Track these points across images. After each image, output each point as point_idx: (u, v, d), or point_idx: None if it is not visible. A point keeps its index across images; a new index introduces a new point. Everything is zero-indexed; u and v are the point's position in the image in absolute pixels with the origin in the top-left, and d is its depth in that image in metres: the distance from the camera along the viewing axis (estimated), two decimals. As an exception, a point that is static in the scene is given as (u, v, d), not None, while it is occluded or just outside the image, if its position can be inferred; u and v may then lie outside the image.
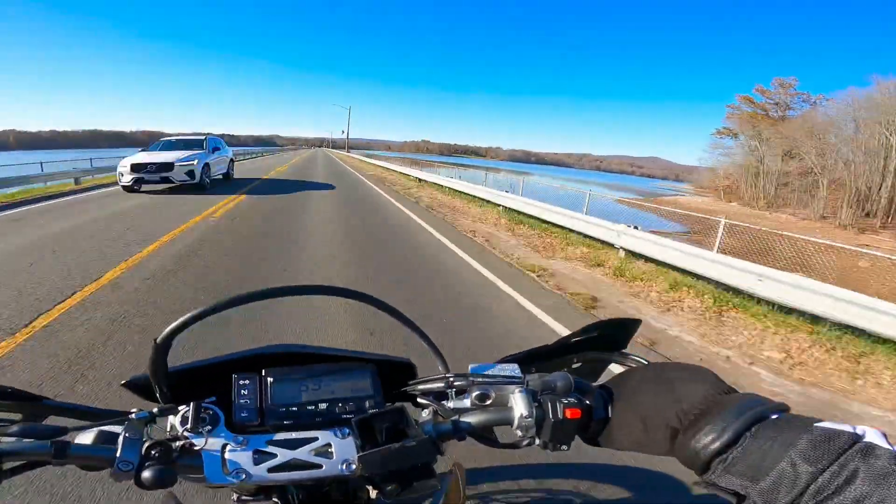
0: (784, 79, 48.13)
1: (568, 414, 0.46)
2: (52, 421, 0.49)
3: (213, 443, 0.47)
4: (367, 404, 0.54)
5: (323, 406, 0.53)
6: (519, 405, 0.48)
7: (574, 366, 0.65)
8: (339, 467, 0.46)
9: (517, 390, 0.49)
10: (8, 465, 0.41)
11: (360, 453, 0.46)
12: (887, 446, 0.30)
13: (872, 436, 0.32)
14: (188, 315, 0.49)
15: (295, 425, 0.51)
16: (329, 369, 0.57)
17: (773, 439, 0.33)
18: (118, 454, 0.43)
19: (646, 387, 0.45)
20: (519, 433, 0.48)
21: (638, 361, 0.58)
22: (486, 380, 0.52)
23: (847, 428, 0.32)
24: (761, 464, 0.33)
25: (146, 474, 0.42)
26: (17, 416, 0.52)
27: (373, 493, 0.57)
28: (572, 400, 0.47)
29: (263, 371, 0.56)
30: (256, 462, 0.46)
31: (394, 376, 0.61)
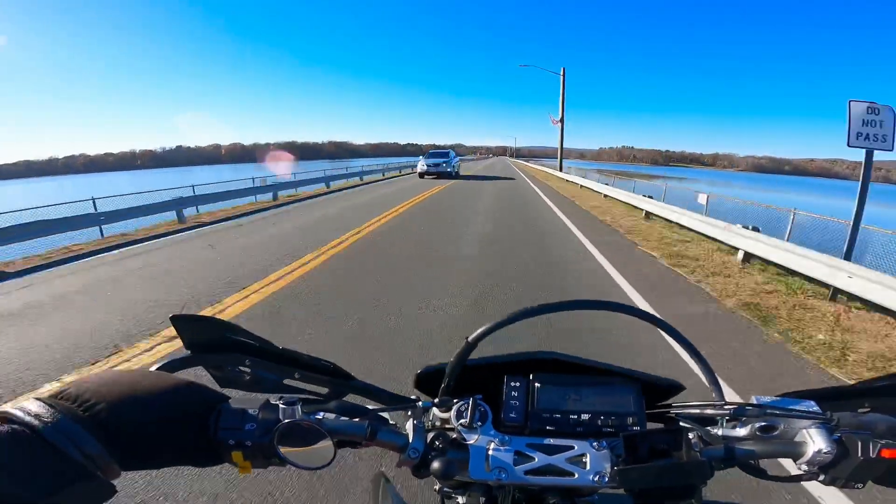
0: None
1: (885, 454, 0.45)
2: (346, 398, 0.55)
3: (481, 439, 0.51)
4: (629, 420, 0.55)
5: (585, 417, 0.55)
6: (817, 441, 0.47)
7: (861, 410, 0.58)
8: (591, 478, 0.48)
9: (813, 425, 0.49)
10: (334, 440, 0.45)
11: (622, 467, 0.48)
12: None
13: None
14: (498, 320, 0.55)
15: (555, 432, 0.54)
16: (593, 381, 0.58)
17: None
18: (410, 441, 0.50)
19: None
20: (804, 468, 0.48)
21: None
22: (781, 412, 0.51)
23: None
24: None
25: (436, 465, 0.47)
26: (324, 390, 0.58)
27: None
28: (892, 441, 0.46)
29: (532, 375, 0.58)
30: (516, 463, 0.49)
31: (649, 394, 0.61)
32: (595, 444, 0.51)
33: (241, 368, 0.55)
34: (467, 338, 0.55)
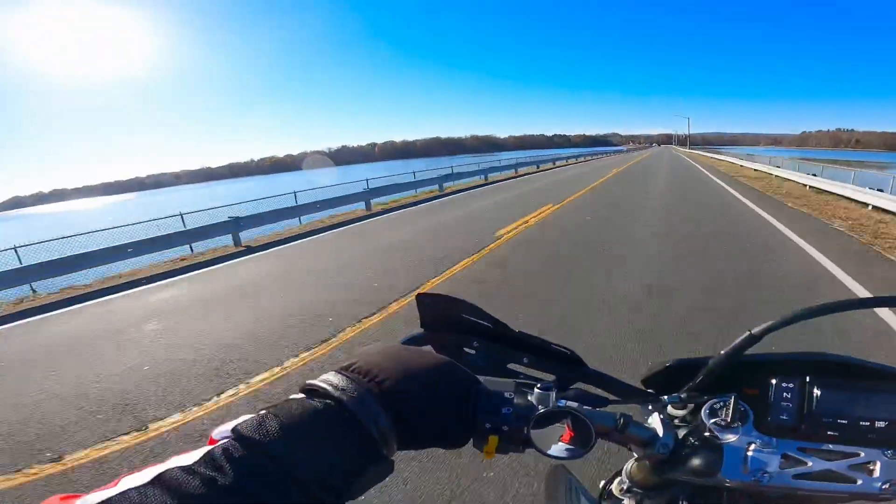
0: None
1: None
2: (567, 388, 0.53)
3: (741, 440, 0.48)
4: None
5: (881, 424, 0.50)
6: None
7: None
8: (880, 486, 0.46)
9: None
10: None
11: None
12: None
13: None
14: (785, 316, 0.51)
15: (838, 438, 0.50)
16: (889, 387, 0.53)
17: None
18: (660, 437, 0.48)
19: None
20: None
21: None
22: None
23: None
24: None
25: (697, 462, 0.46)
26: (552, 377, 0.54)
27: None
28: None
29: (808, 377, 0.54)
30: (782, 466, 0.47)
31: None
32: (890, 452, 0.48)
33: (466, 349, 0.54)
34: (751, 330, 0.51)
